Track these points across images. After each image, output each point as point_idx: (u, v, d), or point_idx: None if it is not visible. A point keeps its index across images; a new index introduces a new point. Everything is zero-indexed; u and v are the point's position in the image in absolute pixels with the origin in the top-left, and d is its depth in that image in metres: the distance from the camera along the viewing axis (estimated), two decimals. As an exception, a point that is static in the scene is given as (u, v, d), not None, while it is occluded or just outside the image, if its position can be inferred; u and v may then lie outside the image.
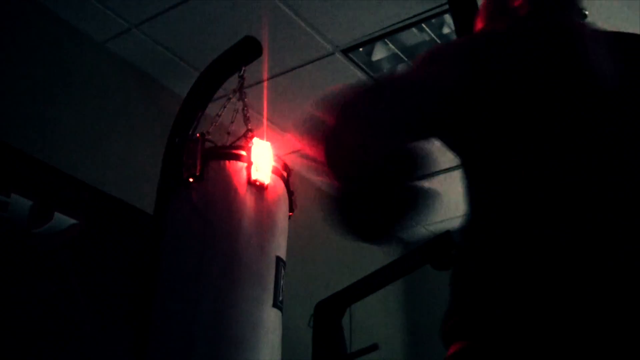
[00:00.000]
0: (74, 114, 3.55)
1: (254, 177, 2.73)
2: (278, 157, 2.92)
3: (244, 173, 2.73)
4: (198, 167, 2.68)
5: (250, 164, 2.75)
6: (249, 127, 3.02)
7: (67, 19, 3.61)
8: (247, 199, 2.69)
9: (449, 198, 3.57)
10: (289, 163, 3.01)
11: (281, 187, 2.88)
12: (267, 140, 2.87)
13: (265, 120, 4.31)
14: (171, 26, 3.68)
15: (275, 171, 2.85)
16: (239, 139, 3.03)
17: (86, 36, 3.71)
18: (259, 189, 2.74)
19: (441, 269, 3.78)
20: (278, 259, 2.72)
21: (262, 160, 2.79)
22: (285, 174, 2.93)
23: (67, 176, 3.34)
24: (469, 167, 1.36)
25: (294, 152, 4.67)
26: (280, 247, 2.77)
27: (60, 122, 3.47)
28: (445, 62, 1.36)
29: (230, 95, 3.20)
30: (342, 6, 3.51)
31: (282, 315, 2.70)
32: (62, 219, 3.24)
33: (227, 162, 2.74)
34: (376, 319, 5.21)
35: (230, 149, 2.85)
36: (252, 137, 2.88)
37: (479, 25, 1.64)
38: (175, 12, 3.59)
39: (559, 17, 1.52)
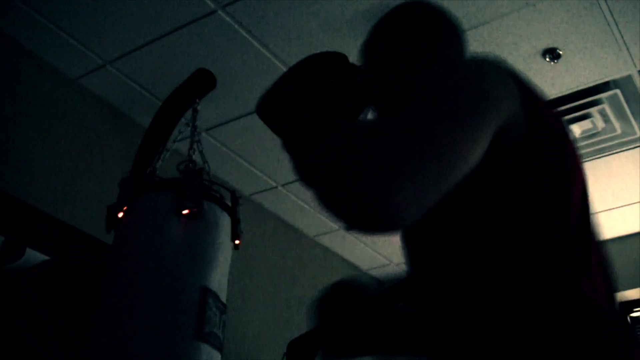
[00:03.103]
0: (46, 150, 3.52)
1: (180, 205, 2.72)
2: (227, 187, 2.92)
3: (170, 203, 2.73)
4: (126, 203, 2.75)
5: (178, 193, 2.75)
6: (204, 161, 3.04)
7: (40, 54, 3.59)
8: (172, 228, 2.68)
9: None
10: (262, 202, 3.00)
11: (219, 216, 2.83)
12: (236, 179, 2.86)
13: (236, 157, 4.32)
14: (145, 63, 3.68)
15: (214, 200, 2.82)
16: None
17: (59, 72, 3.70)
18: (186, 217, 2.72)
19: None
20: (204, 289, 2.64)
21: (191, 188, 2.77)
22: (230, 202, 2.91)
23: (40, 212, 3.31)
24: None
25: (264, 190, 4.68)
26: (205, 277, 2.67)
27: (33, 157, 3.44)
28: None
29: (184, 129, 3.22)
30: (313, 43, 3.54)
31: (231, 352, 2.63)
32: (34, 255, 3.20)
33: (153, 193, 2.77)
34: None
35: (159, 181, 2.90)
36: (199, 170, 2.90)
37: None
38: (149, 49, 3.59)
39: None
